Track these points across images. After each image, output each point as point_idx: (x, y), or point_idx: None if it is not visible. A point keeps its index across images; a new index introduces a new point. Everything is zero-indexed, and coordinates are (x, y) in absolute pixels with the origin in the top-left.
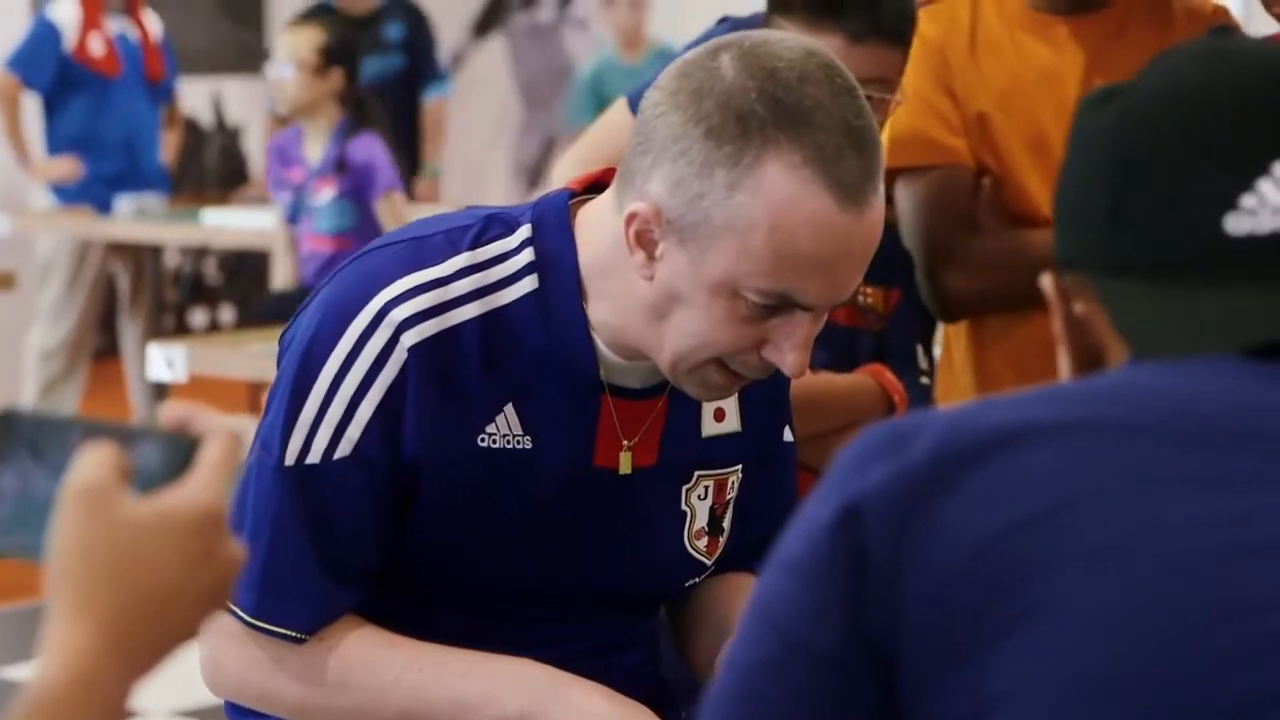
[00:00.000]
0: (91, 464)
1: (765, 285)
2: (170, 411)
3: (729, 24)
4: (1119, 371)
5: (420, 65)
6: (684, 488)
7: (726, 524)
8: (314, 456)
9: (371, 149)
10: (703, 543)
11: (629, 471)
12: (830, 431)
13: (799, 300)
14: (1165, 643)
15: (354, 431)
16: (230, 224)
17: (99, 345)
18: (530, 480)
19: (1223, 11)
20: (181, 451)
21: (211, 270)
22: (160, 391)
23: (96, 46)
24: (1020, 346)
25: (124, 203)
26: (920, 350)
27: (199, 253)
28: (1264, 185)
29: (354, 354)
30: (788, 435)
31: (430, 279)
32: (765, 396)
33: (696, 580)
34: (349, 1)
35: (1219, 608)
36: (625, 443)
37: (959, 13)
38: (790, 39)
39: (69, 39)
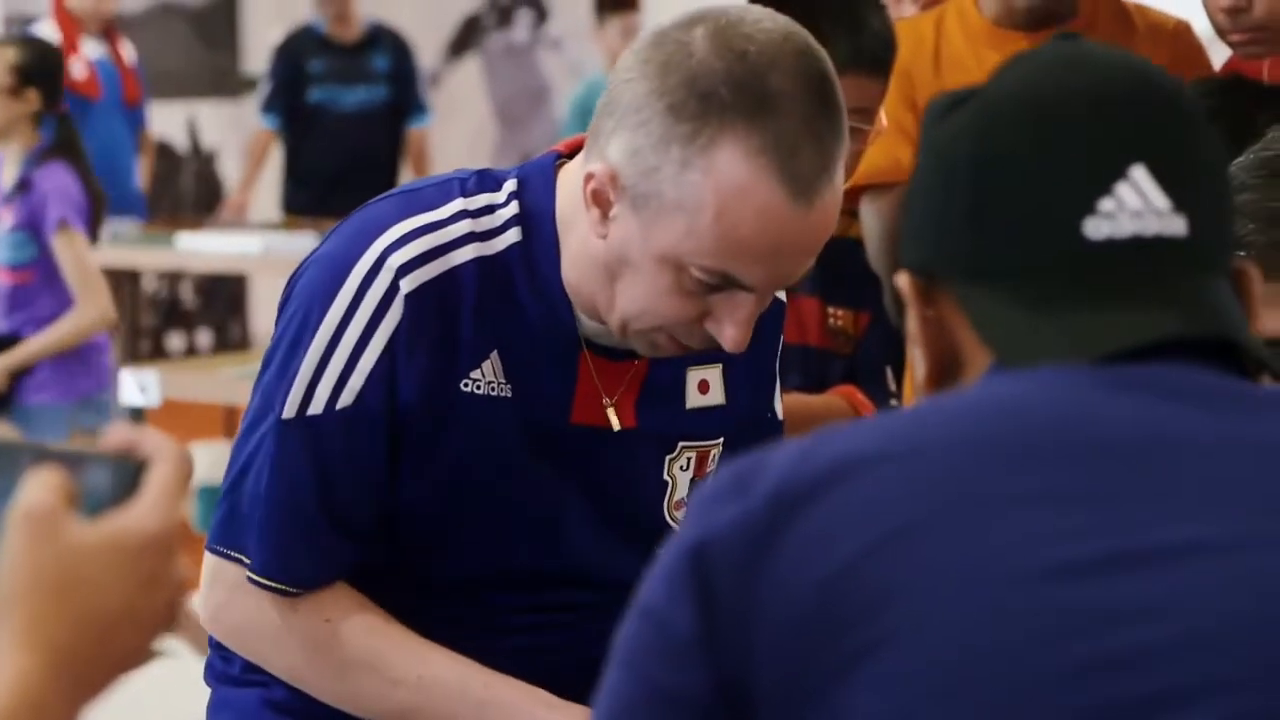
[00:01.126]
0: (37, 488)
1: (709, 264)
2: (116, 434)
3: None
4: (970, 386)
5: (404, 96)
6: (668, 458)
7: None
8: (316, 407)
9: (57, 178)
10: (681, 514)
11: (619, 428)
12: None
13: (742, 282)
14: (1010, 662)
15: (356, 381)
16: (206, 248)
17: None
18: (507, 431)
19: (1184, 27)
20: (129, 474)
21: (188, 294)
22: (135, 417)
23: (77, 69)
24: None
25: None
26: (890, 372)
27: (175, 277)
28: (1122, 189)
29: (355, 304)
30: (777, 411)
31: (428, 221)
32: (750, 371)
33: None
34: (336, 30)
35: (1055, 627)
36: (607, 400)
37: (923, 31)
38: (769, 19)
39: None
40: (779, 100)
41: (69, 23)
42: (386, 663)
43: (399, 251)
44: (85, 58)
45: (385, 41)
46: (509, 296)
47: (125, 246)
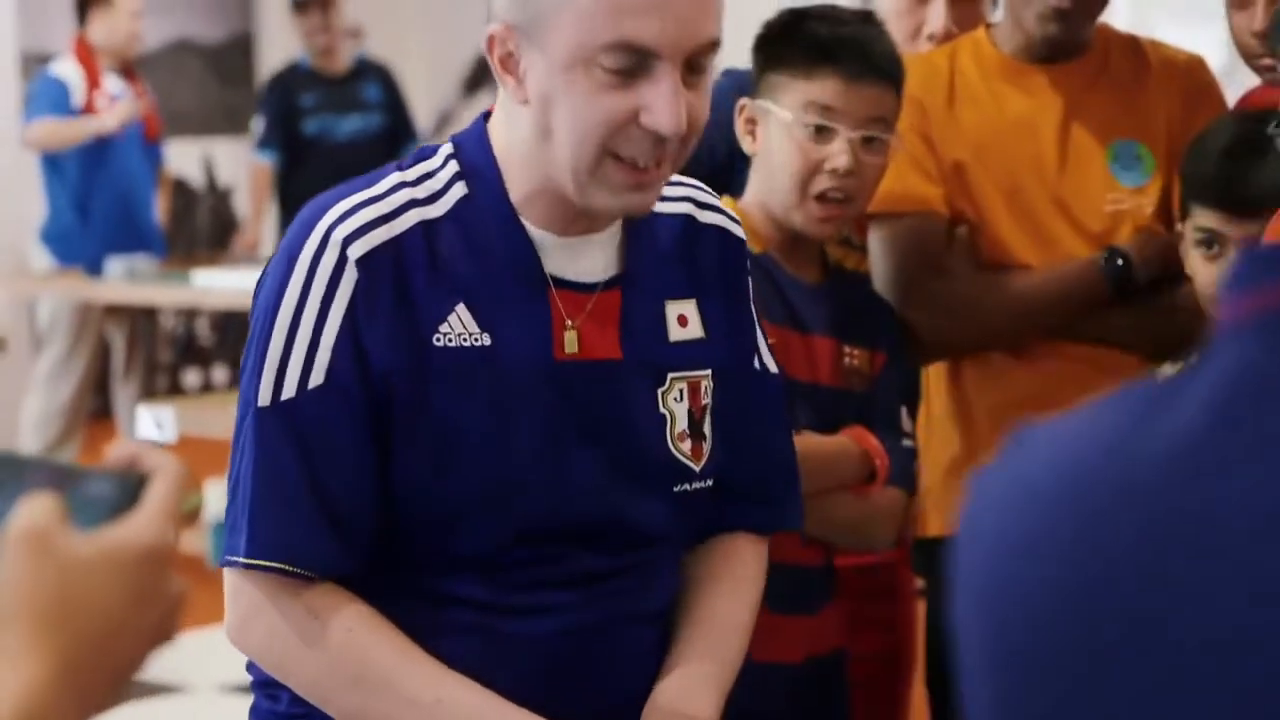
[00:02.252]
0: (32, 506)
1: (607, 38)
2: (118, 450)
3: (731, 77)
4: None
5: (398, 123)
6: (660, 390)
7: (707, 431)
8: (289, 391)
9: None
10: (686, 445)
11: (576, 351)
12: (811, 494)
13: (643, 44)
14: None
15: (323, 357)
16: (221, 284)
17: (93, 407)
18: (494, 378)
19: (1198, 61)
20: (128, 489)
21: (204, 330)
22: None
23: (101, 104)
24: (1001, 399)
25: (114, 265)
26: (905, 413)
27: (191, 313)
28: None
29: (309, 281)
30: (766, 364)
31: (367, 197)
32: (723, 307)
33: (687, 487)
34: (324, 62)
35: None
36: (569, 322)
37: (937, 65)
38: None
39: (76, 95)
40: None
41: (90, 58)
42: (405, 681)
43: (342, 225)
44: (107, 93)
45: (373, 72)
46: (463, 250)
47: (142, 283)
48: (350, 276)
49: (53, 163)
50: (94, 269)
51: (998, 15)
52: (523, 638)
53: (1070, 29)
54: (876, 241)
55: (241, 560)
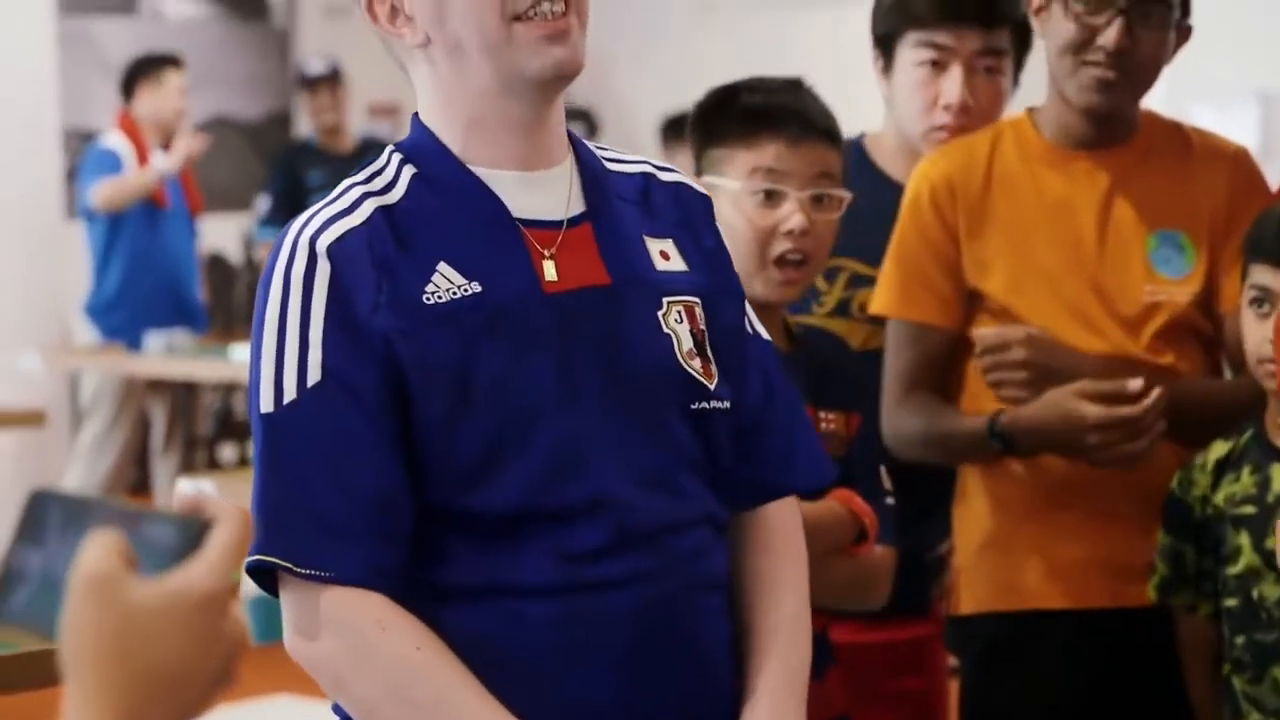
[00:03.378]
0: (96, 551)
1: None
2: (184, 496)
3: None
4: None
5: None
6: (659, 313)
7: (710, 354)
8: (290, 394)
9: None
10: (697, 363)
11: (556, 279)
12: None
13: None
14: None
15: (315, 355)
16: None
17: (131, 480)
18: (494, 317)
19: (1243, 152)
20: (191, 534)
21: (241, 405)
22: None
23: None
24: (1034, 477)
25: (154, 339)
26: (883, 471)
27: (229, 388)
28: None
29: (286, 286)
30: (759, 330)
31: (324, 204)
32: (696, 246)
33: (705, 405)
34: (330, 141)
35: None
36: (546, 252)
37: (976, 149)
38: None
39: (128, 168)
40: None
41: (137, 133)
42: (460, 703)
43: (306, 228)
44: (156, 167)
45: (380, 150)
46: (428, 218)
47: (182, 358)
48: (324, 268)
49: (101, 236)
50: (136, 343)
51: (1012, 86)
52: (603, 617)
53: (1114, 101)
54: (888, 336)
55: (250, 558)
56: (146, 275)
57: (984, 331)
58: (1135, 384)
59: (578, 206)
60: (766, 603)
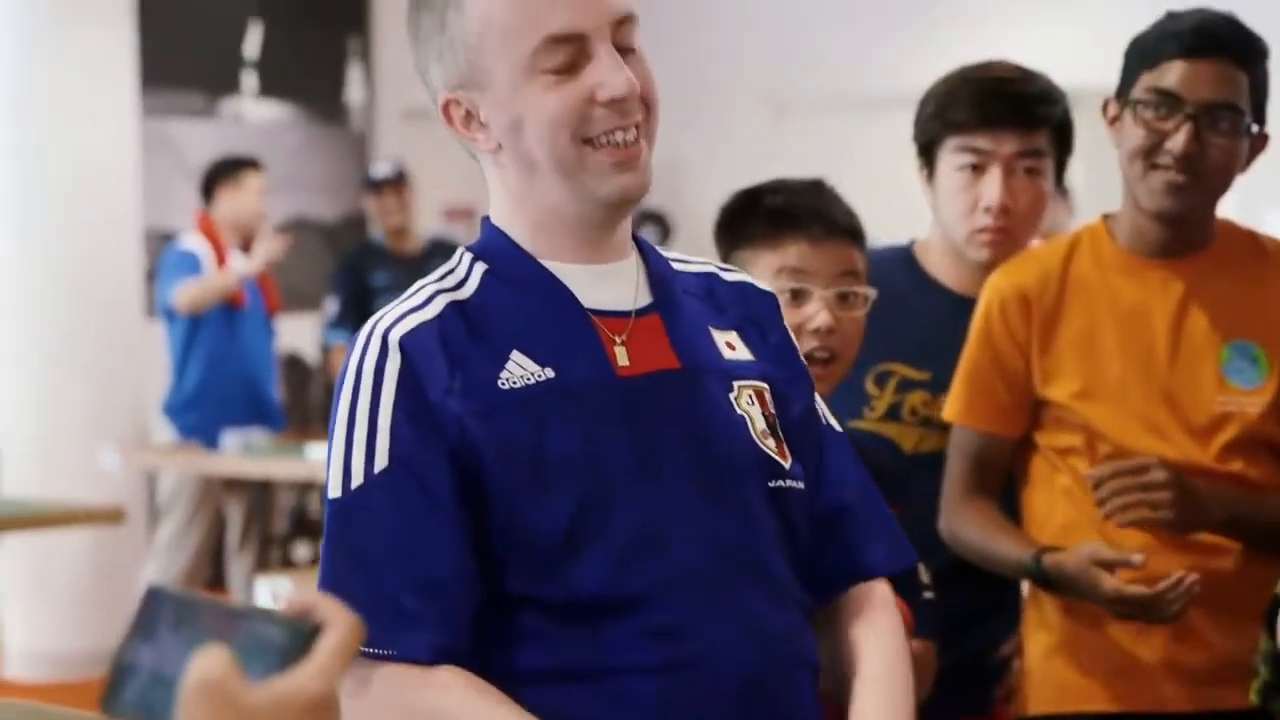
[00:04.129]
0: (208, 659)
1: (534, 40)
2: (296, 600)
3: None
4: None
5: None
6: (730, 396)
7: (782, 435)
8: (357, 479)
9: None
10: (771, 443)
11: (628, 365)
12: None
13: (566, 30)
14: None
15: (382, 443)
16: None
17: (207, 578)
18: (569, 403)
19: None
20: (302, 637)
21: (315, 504)
22: None
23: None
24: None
25: (231, 438)
26: (921, 566)
27: (304, 487)
28: None
29: (358, 376)
30: (832, 422)
31: (397, 301)
32: (763, 340)
33: (782, 483)
34: (397, 243)
35: None
36: (617, 339)
37: (1051, 258)
38: None
39: (207, 269)
40: None
41: (215, 234)
42: None
43: (380, 323)
44: (234, 269)
45: (447, 252)
46: (501, 312)
47: (258, 457)
48: (395, 358)
49: (180, 336)
50: (213, 442)
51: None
52: (706, 690)
53: (1184, 205)
54: (952, 439)
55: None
56: (224, 375)
57: (1116, 464)
58: (1137, 559)
59: (645, 298)
60: (866, 654)
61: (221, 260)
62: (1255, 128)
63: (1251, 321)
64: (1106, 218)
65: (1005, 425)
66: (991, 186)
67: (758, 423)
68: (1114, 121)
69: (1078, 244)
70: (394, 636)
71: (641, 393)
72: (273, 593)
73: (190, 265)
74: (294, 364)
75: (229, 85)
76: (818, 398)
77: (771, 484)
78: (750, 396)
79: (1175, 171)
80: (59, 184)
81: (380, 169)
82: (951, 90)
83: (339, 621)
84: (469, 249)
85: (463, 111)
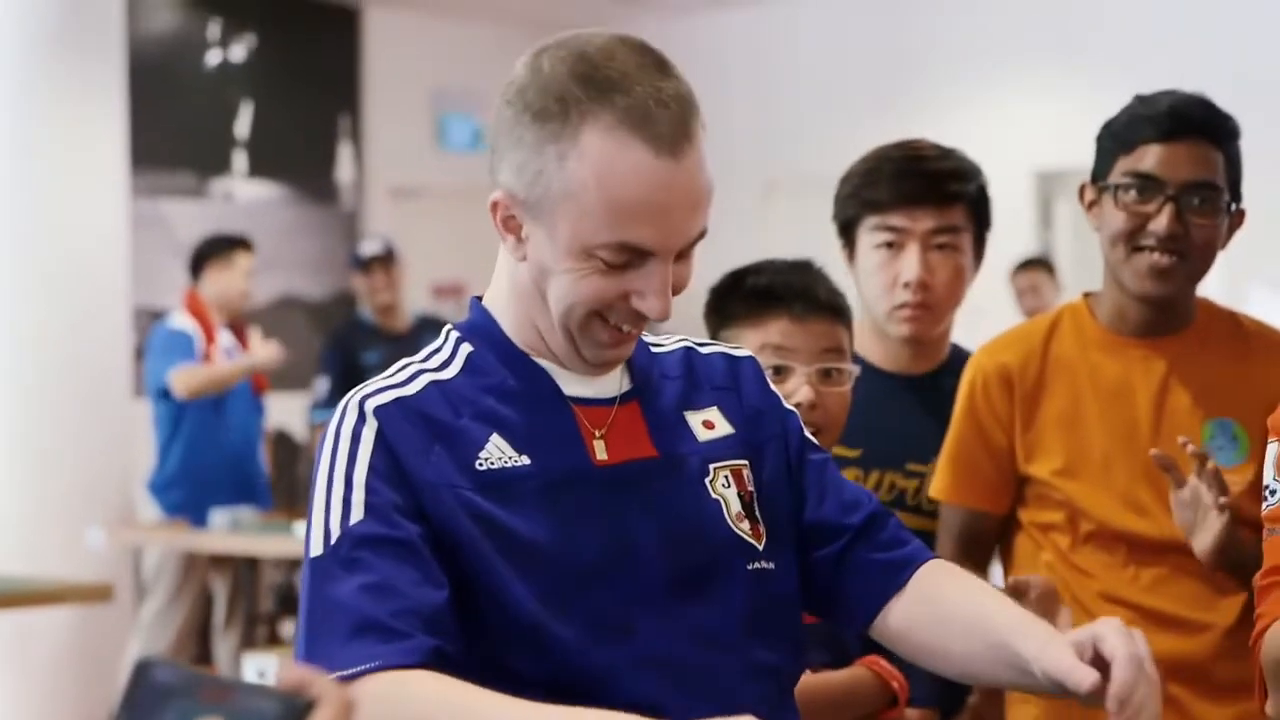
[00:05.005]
0: None
1: (607, 239)
2: (289, 674)
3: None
4: None
5: None
6: (706, 480)
7: (759, 513)
8: (334, 534)
9: None
10: (746, 525)
11: (606, 458)
12: None
13: (641, 246)
14: None
15: (358, 495)
16: None
17: (193, 656)
18: (544, 491)
19: None
20: (296, 711)
21: None
22: None
23: (218, 357)
24: None
25: (218, 515)
26: None
27: (291, 564)
28: None
29: (335, 440)
30: (805, 433)
31: (381, 378)
32: (742, 406)
33: (759, 565)
34: (386, 320)
35: None
36: (596, 432)
37: (1033, 337)
38: (600, 32)
39: (198, 347)
40: (623, 81)
41: (203, 313)
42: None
43: (357, 394)
44: (221, 346)
45: (435, 328)
46: (484, 392)
47: (244, 534)
48: (371, 424)
49: (167, 415)
50: (199, 519)
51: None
52: None
53: (1170, 287)
54: (941, 517)
55: (339, 674)
56: (211, 454)
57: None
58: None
59: (625, 384)
60: (983, 600)
61: (211, 339)
62: (1233, 205)
63: (1232, 399)
64: (1088, 296)
65: (992, 502)
66: (909, 263)
67: (733, 505)
68: (1091, 206)
69: (1059, 322)
70: (374, 650)
71: (618, 483)
72: (259, 670)
73: (182, 345)
74: (282, 441)
75: (219, 164)
76: (806, 431)
77: (750, 566)
78: (726, 478)
79: (1159, 253)
80: (49, 262)
81: (368, 247)
82: (867, 170)
83: (332, 696)
84: (456, 328)
85: (509, 214)
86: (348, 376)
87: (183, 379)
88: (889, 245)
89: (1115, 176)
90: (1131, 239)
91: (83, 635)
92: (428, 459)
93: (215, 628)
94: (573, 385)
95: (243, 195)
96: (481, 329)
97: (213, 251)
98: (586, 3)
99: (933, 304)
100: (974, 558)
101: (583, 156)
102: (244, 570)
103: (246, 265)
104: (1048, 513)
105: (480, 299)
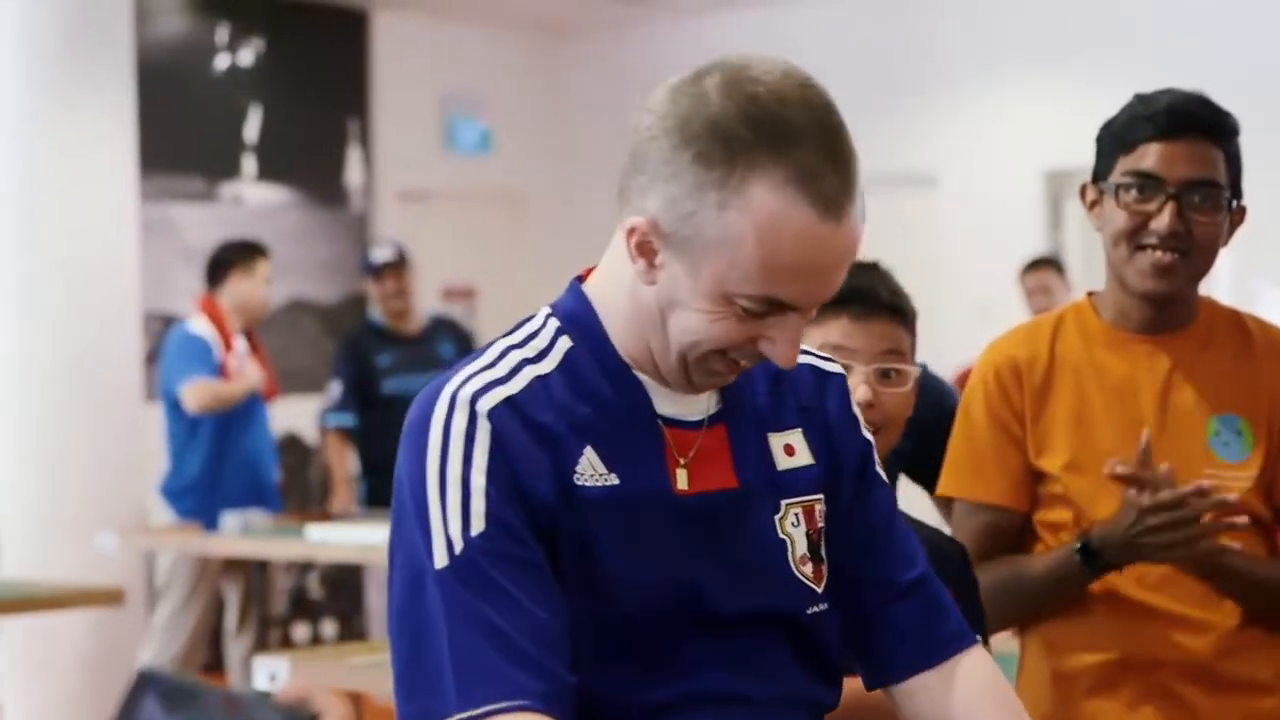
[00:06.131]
0: None
1: (754, 291)
2: (291, 687)
3: None
4: None
5: None
6: (776, 517)
7: (824, 554)
8: (457, 546)
9: None
10: (808, 569)
11: (687, 488)
12: None
13: (787, 302)
14: None
15: (478, 504)
16: (332, 539)
17: (205, 660)
18: (628, 515)
19: None
20: None
21: (314, 584)
22: None
23: (233, 364)
24: (1092, 652)
25: (230, 520)
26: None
27: (302, 567)
28: None
29: (445, 441)
30: (879, 473)
31: (480, 366)
32: (827, 432)
33: (817, 608)
34: (399, 323)
35: None
36: (680, 460)
37: (1038, 335)
38: (767, 60)
39: (217, 354)
40: (795, 132)
41: (221, 319)
42: None
43: (465, 387)
44: (238, 353)
45: (447, 330)
46: (580, 397)
47: (256, 538)
48: (485, 428)
49: (181, 422)
50: (211, 524)
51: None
52: None
53: (1173, 285)
54: (955, 515)
55: (455, 717)
56: (225, 461)
57: (1161, 495)
58: (1164, 468)
59: (714, 404)
60: None
61: (229, 346)
62: (1234, 202)
63: (1237, 395)
64: (1091, 295)
65: (1014, 497)
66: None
67: (798, 547)
68: (1093, 206)
69: (1063, 321)
70: (513, 688)
71: (693, 516)
72: (271, 674)
73: (201, 352)
74: (292, 445)
75: (228, 169)
76: (877, 464)
77: (809, 611)
78: (797, 516)
79: (1162, 251)
80: (60, 268)
81: (380, 253)
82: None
83: (335, 707)
84: (555, 313)
85: (645, 241)
86: (360, 380)
87: (195, 395)
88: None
89: (1116, 176)
90: (1133, 238)
91: (95, 640)
92: (537, 472)
93: (227, 632)
94: (665, 403)
95: (252, 199)
96: (582, 323)
97: (235, 259)
98: (593, 6)
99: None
100: (995, 556)
101: (744, 210)
102: (255, 574)
103: (266, 272)
104: (1056, 512)
105: (581, 280)
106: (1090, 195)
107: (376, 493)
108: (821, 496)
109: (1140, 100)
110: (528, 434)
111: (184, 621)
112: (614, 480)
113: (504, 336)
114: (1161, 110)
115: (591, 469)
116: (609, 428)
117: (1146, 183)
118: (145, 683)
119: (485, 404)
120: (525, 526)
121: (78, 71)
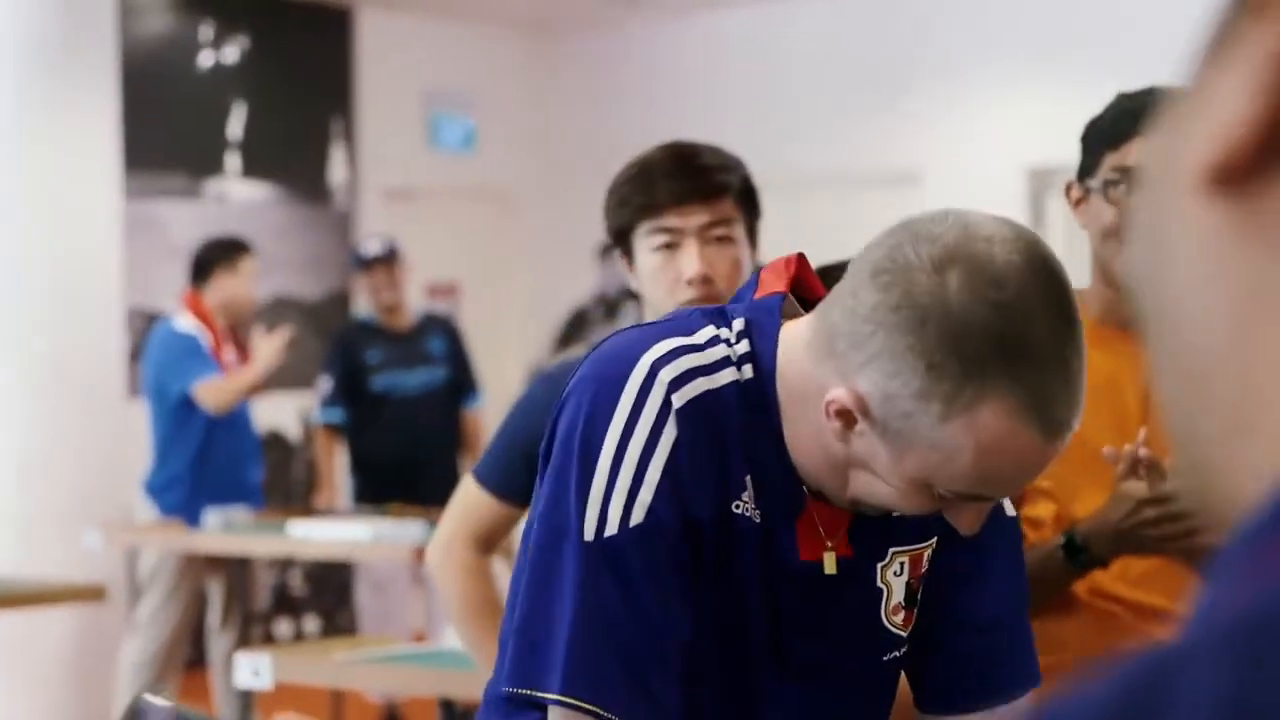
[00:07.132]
0: None
1: (959, 489)
2: (276, 718)
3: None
4: None
5: (461, 377)
6: (880, 565)
7: (919, 597)
8: (611, 528)
9: None
10: (899, 617)
11: (833, 571)
12: None
13: (987, 497)
14: None
15: (645, 495)
16: (315, 536)
17: (188, 657)
18: (759, 556)
19: None
20: None
21: (297, 581)
22: (246, 701)
23: (227, 356)
24: (1074, 664)
25: (212, 516)
26: None
27: (285, 564)
28: None
29: (634, 418)
30: (1004, 505)
31: (688, 343)
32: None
33: (895, 654)
34: (390, 319)
35: None
36: (829, 543)
37: None
38: (1007, 242)
39: (206, 347)
40: (1036, 352)
41: (207, 316)
42: None
43: (668, 366)
44: (228, 351)
45: (438, 326)
46: (757, 430)
47: (239, 534)
48: (672, 425)
49: (167, 419)
50: (194, 520)
51: (754, 256)
52: None
53: None
54: None
55: (553, 696)
56: (208, 458)
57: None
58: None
59: None
60: None
61: (218, 344)
62: None
63: None
64: (1078, 292)
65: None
66: (689, 259)
67: (894, 596)
68: (1078, 203)
69: None
70: (614, 698)
71: (805, 580)
72: (254, 668)
73: (194, 349)
74: (275, 442)
75: (213, 166)
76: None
77: (886, 657)
78: (901, 565)
79: None
80: (43, 265)
81: (371, 247)
82: (634, 177)
83: None
84: (747, 327)
85: (846, 411)
86: (351, 377)
87: (213, 396)
88: (667, 246)
89: (1105, 172)
90: (1123, 233)
91: (79, 636)
92: (705, 485)
93: (210, 628)
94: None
95: (236, 196)
96: (763, 385)
97: (220, 256)
98: (581, 3)
99: (716, 296)
100: None
101: (969, 427)
102: (238, 570)
103: (251, 270)
104: (1039, 507)
105: (781, 302)
106: (1075, 193)
107: (365, 489)
108: (934, 541)
109: (1126, 97)
110: (709, 442)
111: (167, 617)
112: (758, 518)
113: (707, 318)
114: (1149, 107)
115: (750, 499)
116: (767, 469)
117: (1135, 178)
118: (137, 713)
119: (680, 397)
120: (680, 533)
121: (61, 69)
